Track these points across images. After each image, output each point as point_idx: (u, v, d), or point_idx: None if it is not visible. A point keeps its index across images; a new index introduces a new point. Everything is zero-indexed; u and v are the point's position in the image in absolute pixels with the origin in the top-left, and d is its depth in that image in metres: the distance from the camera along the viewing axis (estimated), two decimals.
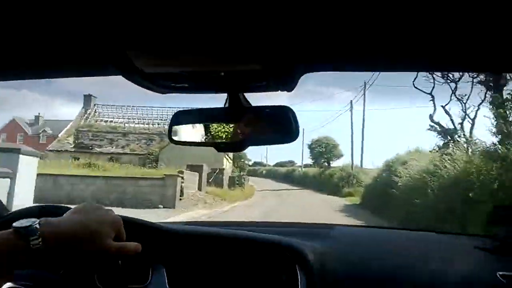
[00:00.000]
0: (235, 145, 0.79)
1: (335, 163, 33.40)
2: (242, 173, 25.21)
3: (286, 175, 41.85)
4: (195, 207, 13.09)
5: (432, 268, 1.12)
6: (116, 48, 0.53)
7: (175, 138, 0.83)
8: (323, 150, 33.99)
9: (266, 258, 1.10)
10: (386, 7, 0.46)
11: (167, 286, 1.03)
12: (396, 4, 0.45)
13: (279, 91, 0.64)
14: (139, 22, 0.49)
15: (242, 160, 32.85)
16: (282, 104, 0.72)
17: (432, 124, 12.67)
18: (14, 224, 0.64)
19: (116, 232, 0.75)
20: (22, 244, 0.62)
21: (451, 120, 12.17)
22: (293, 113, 0.72)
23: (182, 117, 0.84)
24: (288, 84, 0.62)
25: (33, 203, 6.78)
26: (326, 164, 33.80)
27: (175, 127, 0.83)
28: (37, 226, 0.64)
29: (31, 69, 0.74)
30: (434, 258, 1.17)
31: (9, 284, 0.80)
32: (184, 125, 0.84)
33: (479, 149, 8.40)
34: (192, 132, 0.83)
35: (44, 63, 0.68)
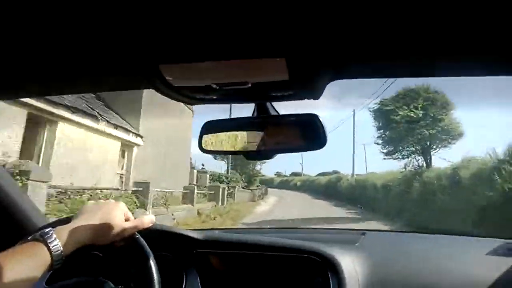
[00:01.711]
0: (263, 153, 0.80)
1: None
2: (239, 185, 21.24)
3: (328, 187, 28.13)
4: None
5: (468, 272, 1.08)
6: (149, 63, 0.56)
7: (205, 147, 0.85)
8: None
9: (298, 265, 1.10)
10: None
11: None
12: None
13: (306, 99, 0.65)
14: (170, 37, 0.52)
15: (250, 167, 27.22)
16: (309, 112, 0.73)
17: None
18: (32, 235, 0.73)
19: (124, 215, 0.87)
20: (44, 249, 0.70)
21: None
22: (320, 120, 0.73)
23: (212, 126, 0.86)
24: (314, 92, 0.62)
25: None
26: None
27: (205, 136, 0.85)
28: (52, 230, 0.73)
29: (60, 83, 0.76)
30: (468, 263, 1.14)
31: None
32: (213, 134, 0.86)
33: None
34: (222, 141, 0.85)
35: (74, 77, 0.70)
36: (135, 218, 0.90)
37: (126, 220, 0.87)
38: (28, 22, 0.50)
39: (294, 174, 46.56)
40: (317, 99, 0.64)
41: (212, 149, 0.86)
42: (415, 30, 0.48)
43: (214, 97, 0.66)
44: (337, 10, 0.45)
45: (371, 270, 1.09)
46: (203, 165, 21.49)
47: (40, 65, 0.63)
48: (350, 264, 1.07)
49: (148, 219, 0.90)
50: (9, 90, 0.80)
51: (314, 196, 27.34)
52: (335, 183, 26.56)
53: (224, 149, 0.84)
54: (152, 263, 0.86)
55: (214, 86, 0.59)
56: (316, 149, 0.75)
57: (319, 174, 42.64)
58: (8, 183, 1.09)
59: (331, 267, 1.04)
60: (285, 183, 42.52)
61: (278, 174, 47.43)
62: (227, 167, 25.71)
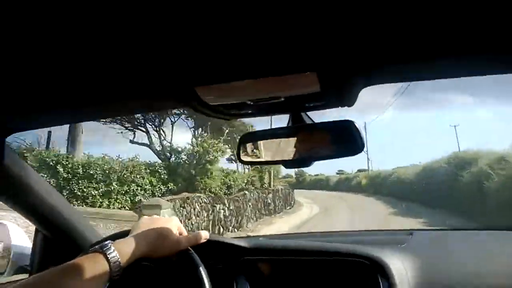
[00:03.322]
0: (301, 161, 0.82)
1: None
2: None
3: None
4: None
5: None
6: (185, 86, 0.59)
7: (244, 158, 0.88)
8: None
9: (346, 269, 1.09)
10: None
11: None
12: None
13: (340, 107, 0.66)
14: (205, 60, 0.55)
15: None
16: (344, 119, 0.73)
17: None
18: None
19: (178, 230, 0.91)
20: (103, 260, 0.74)
21: None
22: (356, 125, 0.73)
23: (250, 138, 0.89)
24: (347, 100, 0.63)
25: None
26: None
27: (243, 148, 0.88)
28: (110, 243, 0.78)
29: (97, 108, 0.77)
30: None
31: None
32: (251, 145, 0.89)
33: None
34: (260, 152, 0.88)
35: (109, 102, 0.72)
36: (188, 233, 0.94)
37: (180, 234, 0.91)
38: (64, 44, 0.53)
39: (360, 171, 32.15)
40: (351, 106, 0.65)
41: (250, 160, 0.88)
42: (442, 31, 0.47)
43: (250, 112, 0.68)
44: (361, 20, 0.45)
45: (421, 271, 1.06)
46: None
47: (74, 90, 0.66)
48: (400, 266, 1.05)
49: (202, 234, 0.94)
50: (42, 116, 0.82)
51: (397, 207, 13.83)
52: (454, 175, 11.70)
53: (263, 160, 0.86)
54: (203, 272, 0.89)
55: (249, 102, 0.61)
56: (353, 155, 0.75)
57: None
58: (61, 203, 1.16)
59: (381, 270, 1.02)
60: (343, 183, 29.54)
61: (340, 173, 35.95)
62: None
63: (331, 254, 1.11)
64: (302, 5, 0.43)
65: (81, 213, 1.33)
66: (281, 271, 1.16)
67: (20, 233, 1.30)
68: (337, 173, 36.49)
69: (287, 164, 0.85)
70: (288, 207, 15.41)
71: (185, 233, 0.93)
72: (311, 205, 16.41)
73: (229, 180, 13.30)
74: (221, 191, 12.45)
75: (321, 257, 1.12)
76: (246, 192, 12.38)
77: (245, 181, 14.46)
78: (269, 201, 13.41)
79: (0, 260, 1.24)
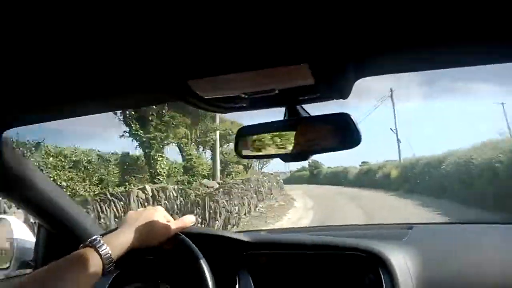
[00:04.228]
0: (298, 155, 0.82)
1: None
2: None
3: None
4: None
5: None
6: (178, 80, 0.59)
7: (242, 152, 0.88)
8: None
9: (347, 262, 1.10)
10: None
11: None
12: None
13: (334, 99, 0.66)
14: (197, 54, 0.55)
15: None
16: (340, 112, 0.74)
17: None
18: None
19: (165, 217, 0.94)
20: (95, 254, 0.77)
21: None
22: (352, 118, 0.73)
23: (246, 131, 0.89)
24: (342, 92, 0.63)
25: None
26: None
27: (241, 142, 0.88)
28: (99, 237, 0.80)
29: (90, 102, 0.78)
30: None
31: None
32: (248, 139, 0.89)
33: None
34: (257, 146, 0.88)
35: (103, 95, 0.72)
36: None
37: (167, 222, 0.94)
38: (60, 40, 0.53)
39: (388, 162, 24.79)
40: (346, 98, 0.65)
41: (248, 154, 0.89)
42: (436, 19, 0.47)
43: (244, 105, 0.68)
44: (352, 9, 0.45)
45: (422, 265, 1.06)
46: None
47: (69, 84, 0.67)
48: (401, 260, 1.05)
49: (188, 219, 0.97)
50: (40, 110, 0.83)
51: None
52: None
53: (260, 153, 0.87)
54: (203, 263, 0.90)
55: (243, 95, 0.61)
56: (351, 148, 0.76)
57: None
58: (61, 197, 1.17)
59: (382, 264, 1.03)
60: (365, 176, 23.09)
61: (364, 164, 28.42)
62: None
63: (332, 248, 1.12)
64: None
65: (81, 208, 1.34)
66: (283, 265, 1.17)
67: (23, 228, 1.31)
68: (360, 165, 28.66)
69: (285, 157, 0.85)
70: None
71: (171, 220, 0.95)
72: (299, 210, 11.73)
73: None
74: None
75: (322, 251, 1.13)
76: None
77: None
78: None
79: (4, 256, 1.26)
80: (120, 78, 0.63)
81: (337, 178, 27.78)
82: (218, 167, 15.55)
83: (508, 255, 1.08)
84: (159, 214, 0.93)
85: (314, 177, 33.51)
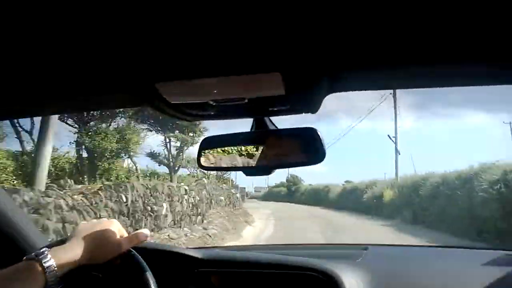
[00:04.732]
0: (262, 169, 0.80)
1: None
2: None
3: None
4: None
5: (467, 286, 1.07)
6: (145, 82, 0.56)
7: (203, 163, 0.85)
8: None
9: (301, 282, 1.09)
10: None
11: None
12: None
13: (303, 113, 0.65)
14: (166, 56, 0.52)
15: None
16: (307, 126, 0.73)
17: None
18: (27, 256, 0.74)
19: (119, 232, 0.88)
20: (38, 269, 0.70)
21: None
22: (318, 134, 0.73)
23: (210, 142, 0.86)
24: (311, 106, 0.62)
25: None
26: None
27: (204, 153, 0.85)
28: (47, 250, 0.74)
29: (56, 103, 0.75)
30: (476, 276, 1.12)
31: None
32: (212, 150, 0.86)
33: None
34: (220, 157, 0.85)
35: (70, 96, 0.69)
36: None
37: (121, 236, 0.87)
38: (23, 40, 0.51)
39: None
40: (315, 113, 0.64)
41: (210, 165, 0.85)
42: (413, 38, 0.46)
43: (212, 113, 0.66)
44: (328, 22, 0.44)
45: (375, 286, 1.07)
46: None
47: (35, 84, 0.63)
48: (353, 282, 1.06)
49: (142, 234, 0.90)
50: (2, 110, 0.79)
51: None
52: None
53: (223, 165, 0.84)
54: (149, 277, 0.85)
55: (211, 102, 0.59)
56: (315, 163, 0.75)
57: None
58: (5, 204, 1.08)
59: (334, 284, 1.03)
60: (348, 196, 19.18)
61: (348, 182, 24.87)
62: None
63: (286, 268, 1.11)
64: (268, 3, 0.42)
65: (27, 216, 1.23)
66: (236, 284, 1.14)
67: None
68: (343, 184, 25.12)
69: (247, 171, 0.83)
70: None
71: (125, 234, 0.89)
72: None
73: None
74: None
75: (277, 270, 1.12)
76: None
77: None
78: None
79: None
80: (84, 78, 0.60)
81: (318, 196, 24.74)
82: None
83: (458, 279, 1.11)
84: (114, 228, 0.87)
85: (292, 194, 30.93)
